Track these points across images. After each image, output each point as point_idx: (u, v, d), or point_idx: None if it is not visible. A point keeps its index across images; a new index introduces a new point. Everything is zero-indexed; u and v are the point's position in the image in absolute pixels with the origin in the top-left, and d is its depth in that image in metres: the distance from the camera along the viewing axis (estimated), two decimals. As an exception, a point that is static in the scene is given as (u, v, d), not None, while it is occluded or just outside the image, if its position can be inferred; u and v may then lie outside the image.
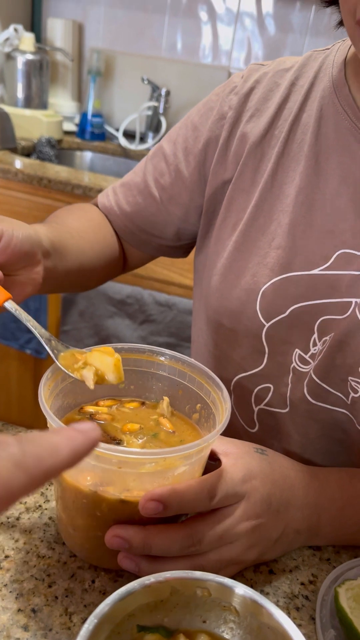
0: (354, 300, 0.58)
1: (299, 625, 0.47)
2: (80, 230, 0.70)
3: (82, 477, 0.45)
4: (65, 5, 2.15)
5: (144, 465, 0.44)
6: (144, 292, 1.57)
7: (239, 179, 0.65)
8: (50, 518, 0.54)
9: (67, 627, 0.44)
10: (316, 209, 0.60)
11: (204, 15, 2.01)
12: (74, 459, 0.28)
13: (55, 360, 0.50)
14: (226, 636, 0.38)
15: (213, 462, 0.49)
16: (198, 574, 0.38)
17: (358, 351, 0.58)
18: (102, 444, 0.41)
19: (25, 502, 0.55)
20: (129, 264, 0.81)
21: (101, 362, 0.49)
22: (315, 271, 0.60)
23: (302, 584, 0.51)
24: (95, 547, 0.47)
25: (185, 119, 0.72)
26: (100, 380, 0.49)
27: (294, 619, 0.48)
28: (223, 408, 0.48)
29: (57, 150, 1.94)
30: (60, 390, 0.51)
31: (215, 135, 0.67)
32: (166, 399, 0.55)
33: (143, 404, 0.56)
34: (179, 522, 0.46)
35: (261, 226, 0.63)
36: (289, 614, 0.48)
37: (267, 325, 0.63)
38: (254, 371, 0.66)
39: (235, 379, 0.69)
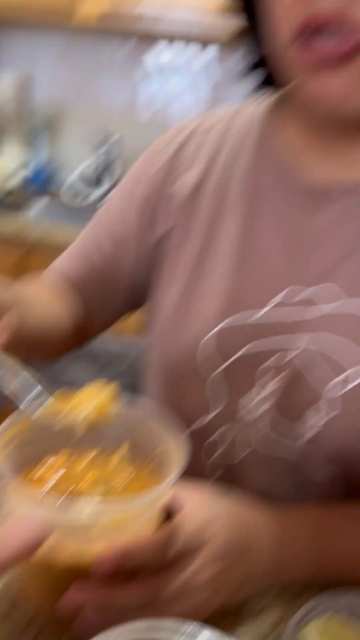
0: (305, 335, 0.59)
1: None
2: (36, 292, 0.69)
3: None
4: (12, 59, 2.19)
5: (95, 525, 0.43)
6: (101, 338, 1.56)
7: (178, 230, 0.67)
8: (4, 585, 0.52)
9: None
10: (255, 250, 0.61)
11: (143, 70, 2.08)
12: (23, 555, 0.27)
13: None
14: None
15: (172, 509, 0.49)
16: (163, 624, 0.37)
17: (305, 397, 0.58)
18: (50, 509, 0.41)
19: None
20: (90, 333, 0.80)
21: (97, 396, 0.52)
22: (262, 312, 0.60)
23: (273, 623, 0.50)
24: (51, 614, 0.46)
25: (127, 175, 0.74)
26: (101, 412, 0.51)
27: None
28: (179, 454, 0.48)
29: (7, 202, 1.94)
30: (15, 446, 0.49)
31: (153, 189, 0.69)
32: (124, 446, 0.55)
33: (101, 453, 0.56)
34: (135, 579, 0.44)
35: (204, 275, 0.64)
36: (260, 657, 0.47)
37: (210, 376, 0.62)
38: (202, 424, 0.65)
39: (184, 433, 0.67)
